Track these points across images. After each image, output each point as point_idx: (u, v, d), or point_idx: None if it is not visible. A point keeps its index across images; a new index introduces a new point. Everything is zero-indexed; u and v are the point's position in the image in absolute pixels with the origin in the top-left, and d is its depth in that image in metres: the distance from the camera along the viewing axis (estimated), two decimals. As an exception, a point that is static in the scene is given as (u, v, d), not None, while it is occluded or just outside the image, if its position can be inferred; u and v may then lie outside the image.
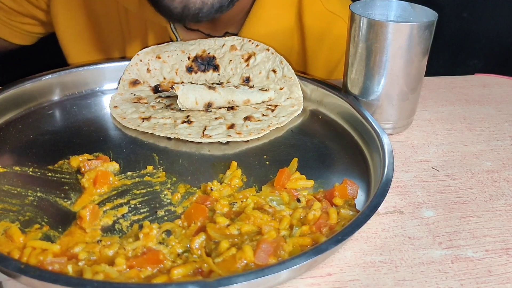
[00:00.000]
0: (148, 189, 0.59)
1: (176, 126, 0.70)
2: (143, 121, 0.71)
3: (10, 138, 0.67)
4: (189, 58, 0.81)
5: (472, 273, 0.50)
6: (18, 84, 0.72)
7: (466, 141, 0.72)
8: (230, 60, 0.81)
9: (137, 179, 0.61)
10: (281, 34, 0.87)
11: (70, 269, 0.46)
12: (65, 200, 0.57)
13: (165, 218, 0.55)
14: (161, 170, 0.62)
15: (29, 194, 0.57)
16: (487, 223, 0.57)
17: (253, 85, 0.79)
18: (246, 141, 0.68)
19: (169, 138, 0.69)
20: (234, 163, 0.63)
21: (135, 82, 0.80)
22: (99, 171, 0.59)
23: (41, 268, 0.45)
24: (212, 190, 0.57)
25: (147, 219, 0.54)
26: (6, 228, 0.51)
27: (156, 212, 0.56)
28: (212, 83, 0.79)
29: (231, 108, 0.75)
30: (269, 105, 0.76)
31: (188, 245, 0.50)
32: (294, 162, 0.63)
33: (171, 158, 0.65)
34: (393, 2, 0.72)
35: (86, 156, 0.63)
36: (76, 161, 0.62)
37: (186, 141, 0.68)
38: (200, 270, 0.46)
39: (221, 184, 0.59)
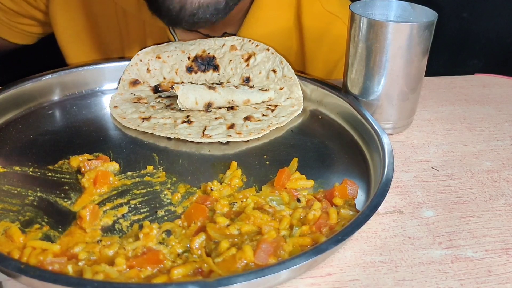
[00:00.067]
0: (148, 189, 0.59)
1: (176, 126, 0.70)
2: (143, 121, 0.71)
3: (10, 138, 0.67)
4: (189, 58, 0.81)
5: (472, 273, 0.50)
6: (18, 84, 0.72)
7: (466, 141, 0.72)
8: (230, 60, 0.81)
9: (137, 179, 0.61)
10: (280, 35, 0.87)
11: (70, 269, 0.46)
12: (65, 200, 0.57)
13: (165, 218, 0.55)
14: (161, 170, 0.62)
15: (29, 194, 0.57)
16: (487, 223, 0.57)
17: (253, 85, 0.79)
18: (246, 141, 0.68)
19: (169, 138, 0.69)
20: (234, 163, 0.63)
21: (135, 82, 0.80)
22: (99, 171, 0.59)
23: (41, 268, 0.45)
24: (212, 190, 0.57)
25: (147, 219, 0.54)
26: (6, 228, 0.51)
27: (156, 212, 0.56)
28: (212, 83, 0.79)
29: (231, 108, 0.75)
30: (269, 105, 0.76)
31: (188, 245, 0.50)
32: (294, 162, 0.63)
33: (171, 158, 0.65)
34: (393, 2, 0.72)
35: (86, 156, 0.63)
36: (76, 161, 0.62)
37: (186, 141, 0.68)
38: (200, 270, 0.46)
39: (221, 184, 0.59)
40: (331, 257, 0.51)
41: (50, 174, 0.61)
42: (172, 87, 0.76)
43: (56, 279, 0.42)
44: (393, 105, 0.70)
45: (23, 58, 1.14)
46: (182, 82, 0.80)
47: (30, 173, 0.61)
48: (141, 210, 0.56)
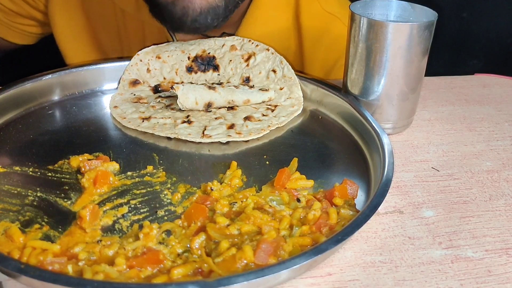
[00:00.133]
0: (148, 189, 0.59)
1: (176, 126, 0.70)
2: (143, 121, 0.71)
3: (10, 138, 0.67)
4: (189, 58, 0.81)
5: (472, 273, 0.50)
6: (18, 84, 0.72)
7: (466, 141, 0.72)
8: (230, 60, 0.81)
9: (137, 179, 0.61)
10: (278, 35, 0.87)
11: (70, 269, 0.46)
12: (65, 200, 0.57)
13: (165, 218, 0.55)
14: (161, 170, 0.62)
15: (29, 194, 0.57)
16: (487, 223, 0.57)
17: (253, 85, 0.79)
18: (246, 141, 0.68)
19: (169, 138, 0.69)
20: (234, 163, 0.63)
21: (135, 82, 0.80)
22: (99, 171, 0.59)
23: (41, 268, 0.45)
24: (212, 190, 0.57)
25: (147, 219, 0.54)
26: (6, 228, 0.51)
27: (156, 212, 0.56)
28: (212, 83, 0.79)
29: (231, 108, 0.75)
30: (269, 105, 0.76)
31: (188, 245, 0.50)
32: (294, 162, 0.63)
33: (171, 158, 0.65)
34: (393, 2, 0.72)
35: (86, 156, 0.63)
36: (76, 161, 0.62)
37: (186, 141, 0.68)
38: (200, 270, 0.46)
39: (221, 184, 0.59)
40: (331, 257, 0.51)
41: (50, 174, 0.61)
42: (172, 87, 0.76)
43: (56, 279, 0.42)
44: (393, 105, 0.70)
45: (23, 58, 1.14)
46: (182, 82, 0.80)
47: (30, 173, 0.61)
48: (141, 210, 0.56)
